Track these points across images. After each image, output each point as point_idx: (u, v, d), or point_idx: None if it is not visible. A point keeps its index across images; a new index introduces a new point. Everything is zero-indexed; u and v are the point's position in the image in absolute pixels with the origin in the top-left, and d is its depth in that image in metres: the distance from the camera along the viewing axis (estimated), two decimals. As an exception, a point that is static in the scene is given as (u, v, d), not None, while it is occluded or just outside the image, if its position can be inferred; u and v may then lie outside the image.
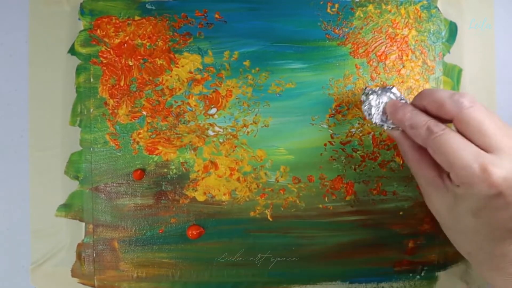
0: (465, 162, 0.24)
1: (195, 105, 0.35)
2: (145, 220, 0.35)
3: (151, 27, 0.35)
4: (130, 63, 0.35)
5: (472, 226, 0.26)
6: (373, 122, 0.32)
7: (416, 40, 0.36)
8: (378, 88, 0.32)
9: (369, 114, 0.32)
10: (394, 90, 0.32)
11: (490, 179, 0.23)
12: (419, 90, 0.36)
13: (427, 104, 0.28)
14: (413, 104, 0.29)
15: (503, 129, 0.25)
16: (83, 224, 0.35)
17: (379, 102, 0.31)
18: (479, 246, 0.26)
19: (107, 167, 0.35)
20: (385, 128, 0.31)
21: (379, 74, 0.36)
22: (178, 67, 0.35)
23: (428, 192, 0.28)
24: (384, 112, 0.31)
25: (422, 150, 0.28)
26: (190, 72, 0.35)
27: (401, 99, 0.31)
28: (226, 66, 0.35)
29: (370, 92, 0.32)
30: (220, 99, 0.35)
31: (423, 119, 0.27)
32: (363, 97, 0.32)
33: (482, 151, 0.24)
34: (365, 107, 0.32)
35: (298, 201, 0.36)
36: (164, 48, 0.35)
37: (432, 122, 0.26)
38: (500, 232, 0.25)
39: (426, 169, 0.28)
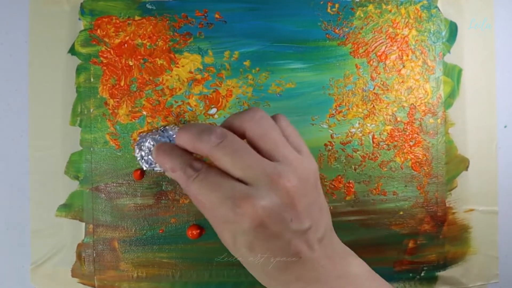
0: (220, 200, 0.23)
1: (195, 105, 0.35)
2: (145, 220, 0.35)
3: (151, 27, 0.35)
4: (130, 63, 0.35)
5: (254, 259, 0.25)
6: (143, 167, 0.31)
7: (416, 40, 0.36)
8: (153, 132, 0.32)
9: (141, 158, 0.32)
10: (166, 132, 0.31)
11: (246, 212, 0.23)
12: (419, 90, 0.36)
13: (184, 144, 0.26)
14: (176, 145, 0.27)
15: (257, 160, 0.24)
16: (83, 224, 0.35)
17: (150, 145, 0.31)
18: (270, 276, 0.26)
19: (107, 167, 0.35)
20: (156, 171, 0.31)
21: (379, 74, 0.36)
22: (178, 67, 0.35)
23: (217, 231, 0.26)
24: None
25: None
26: (191, 72, 0.35)
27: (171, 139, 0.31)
28: (227, 66, 0.35)
29: (143, 137, 0.32)
30: (220, 99, 0.35)
31: (179, 161, 0.25)
32: (139, 143, 0.32)
33: (238, 184, 0.23)
34: (138, 153, 0.32)
35: (298, 201, 0.36)
36: (164, 48, 0.35)
37: (188, 164, 0.25)
38: (283, 260, 0.24)
39: (207, 209, 0.26)
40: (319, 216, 0.25)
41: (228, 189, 0.23)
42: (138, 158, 0.32)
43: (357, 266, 0.26)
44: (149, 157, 0.31)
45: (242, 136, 0.25)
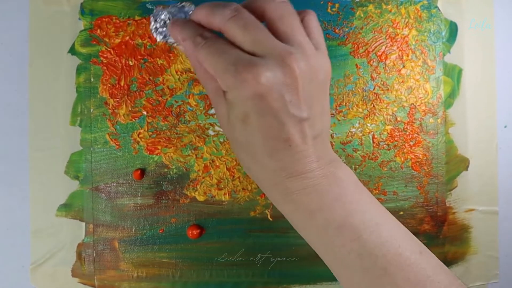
0: (224, 65, 0.23)
1: (195, 105, 0.35)
2: (145, 220, 0.35)
3: (151, 27, 0.35)
4: (131, 63, 0.35)
5: (245, 136, 0.25)
6: (157, 39, 0.30)
7: (417, 40, 0.36)
8: (171, 6, 0.30)
9: (155, 30, 0.30)
10: (187, 8, 0.29)
11: (248, 79, 0.22)
12: (419, 90, 0.36)
13: (199, 18, 0.26)
14: (191, 19, 0.27)
15: (269, 37, 0.24)
16: (83, 224, 0.35)
17: (166, 18, 0.30)
18: (256, 159, 0.25)
19: (107, 167, 0.35)
20: (169, 42, 0.30)
21: (379, 74, 0.36)
22: (175, 63, 0.35)
23: (214, 104, 0.27)
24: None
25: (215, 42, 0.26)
26: (191, 72, 0.35)
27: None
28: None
29: (159, 10, 0.30)
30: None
31: (191, 31, 0.26)
32: (155, 15, 0.30)
33: (244, 54, 0.23)
34: (152, 25, 0.30)
35: (298, 201, 0.36)
36: (164, 48, 0.35)
37: (198, 33, 0.25)
38: (274, 143, 0.24)
39: (208, 80, 0.26)
40: (319, 114, 0.25)
41: (233, 55, 0.23)
42: (153, 30, 0.30)
43: (344, 173, 0.26)
44: (164, 29, 0.30)
45: (261, 18, 0.25)
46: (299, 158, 0.24)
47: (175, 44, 0.29)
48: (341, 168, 0.26)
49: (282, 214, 0.27)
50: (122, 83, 0.35)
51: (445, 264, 0.36)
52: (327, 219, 0.24)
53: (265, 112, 0.23)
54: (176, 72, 0.35)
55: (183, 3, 0.30)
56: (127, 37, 0.35)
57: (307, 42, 0.24)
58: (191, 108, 0.35)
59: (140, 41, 0.35)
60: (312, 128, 0.24)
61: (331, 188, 0.25)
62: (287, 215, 0.27)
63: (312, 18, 0.26)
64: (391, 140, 0.36)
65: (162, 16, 0.30)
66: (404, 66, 0.36)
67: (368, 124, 0.36)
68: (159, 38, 0.30)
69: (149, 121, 0.35)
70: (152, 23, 0.30)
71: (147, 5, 0.35)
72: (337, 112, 0.36)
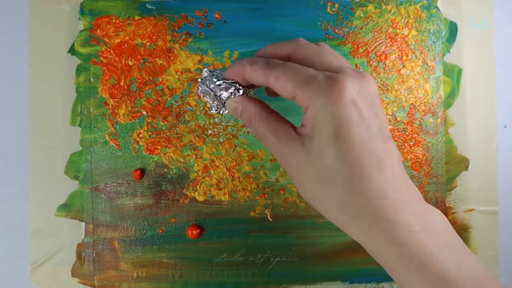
0: (305, 77, 0.22)
1: (195, 105, 0.35)
2: (145, 220, 0.35)
3: (151, 27, 0.35)
4: (130, 63, 0.35)
5: (339, 157, 0.22)
6: (219, 112, 0.29)
7: (416, 40, 0.36)
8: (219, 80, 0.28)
9: (211, 104, 0.28)
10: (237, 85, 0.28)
11: (339, 85, 0.21)
12: (419, 90, 0.36)
13: (264, 53, 0.26)
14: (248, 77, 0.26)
15: (338, 56, 0.25)
16: (83, 224, 0.35)
17: (219, 95, 0.28)
18: (354, 182, 0.22)
19: (107, 167, 0.35)
20: (225, 109, 0.28)
21: (379, 74, 0.36)
22: (175, 63, 0.35)
23: (282, 152, 0.24)
24: (220, 98, 0.28)
25: (268, 108, 0.26)
26: (190, 72, 0.35)
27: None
28: (227, 66, 0.35)
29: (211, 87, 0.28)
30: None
31: (258, 58, 0.25)
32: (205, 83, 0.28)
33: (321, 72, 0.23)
34: (206, 95, 0.28)
35: (298, 201, 0.36)
36: (164, 48, 0.35)
37: (267, 60, 0.25)
38: (375, 159, 0.22)
39: (277, 123, 0.25)
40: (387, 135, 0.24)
41: (312, 71, 0.23)
42: (212, 110, 0.29)
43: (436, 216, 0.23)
44: (216, 103, 0.28)
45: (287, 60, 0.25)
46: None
47: (228, 103, 0.28)
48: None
49: (357, 241, 0.24)
50: (122, 83, 0.35)
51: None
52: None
53: (360, 121, 0.22)
54: (176, 72, 0.35)
55: (213, 72, 0.28)
56: (127, 37, 0.35)
57: (348, 65, 0.24)
58: (190, 108, 0.35)
59: (139, 41, 0.35)
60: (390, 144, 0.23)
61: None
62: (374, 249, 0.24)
63: (330, 49, 0.26)
64: (391, 140, 0.36)
65: (218, 93, 0.27)
66: (403, 66, 0.36)
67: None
68: (222, 111, 0.28)
69: (148, 121, 0.35)
70: (210, 101, 0.28)
71: (147, 5, 0.35)
72: (337, 112, 0.36)
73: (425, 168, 0.36)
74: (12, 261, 0.36)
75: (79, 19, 0.35)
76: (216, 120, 0.35)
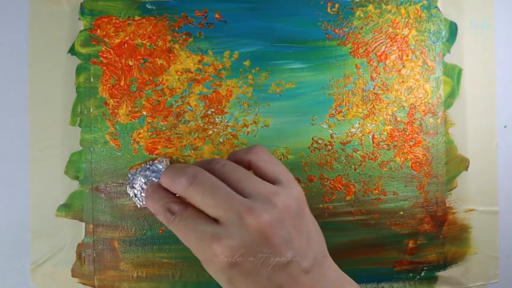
0: (195, 243, 0.24)
1: (195, 105, 0.35)
2: (145, 220, 0.35)
3: (151, 27, 0.35)
4: (130, 63, 0.35)
5: None
6: (137, 205, 0.33)
7: (416, 40, 0.36)
8: (142, 168, 0.33)
9: (134, 197, 0.33)
10: (154, 166, 0.32)
11: (218, 253, 0.24)
12: (419, 90, 0.36)
13: (166, 186, 0.27)
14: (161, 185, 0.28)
15: (227, 198, 0.24)
16: (83, 224, 0.35)
17: (142, 184, 0.32)
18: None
19: (107, 167, 0.35)
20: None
21: (379, 74, 0.36)
22: (175, 63, 0.35)
23: (203, 265, 0.27)
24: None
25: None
26: (190, 72, 0.35)
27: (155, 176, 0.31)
28: (226, 66, 0.35)
29: (133, 175, 0.33)
30: (221, 99, 0.35)
31: (159, 206, 0.26)
32: (129, 182, 0.33)
33: (208, 225, 0.24)
34: (131, 195, 0.33)
35: (298, 201, 0.36)
36: (164, 48, 0.35)
37: (166, 207, 0.26)
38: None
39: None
40: (306, 245, 0.25)
41: (200, 231, 0.24)
42: (131, 196, 0.32)
43: None
44: (142, 195, 0.32)
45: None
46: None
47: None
48: None
49: None
50: (122, 83, 0.35)
51: (445, 264, 0.36)
52: None
53: (247, 274, 0.24)
54: (176, 72, 0.35)
55: (155, 161, 0.32)
56: (127, 37, 0.35)
57: (264, 185, 0.25)
58: (191, 108, 0.35)
59: (140, 41, 0.35)
60: (301, 264, 0.24)
61: None
62: None
63: (259, 156, 0.27)
64: (391, 140, 0.36)
65: (138, 182, 0.31)
66: (404, 66, 0.36)
67: (368, 124, 0.36)
68: (139, 204, 0.32)
69: (149, 121, 0.35)
70: (129, 189, 0.32)
71: (147, 5, 0.35)
72: (337, 112, 0.36)
73: (425, 168, 0.36)
74: (12, 261, 0.36)
75: (79, 19, 0.35)
76: (216, 120, 0.35)
